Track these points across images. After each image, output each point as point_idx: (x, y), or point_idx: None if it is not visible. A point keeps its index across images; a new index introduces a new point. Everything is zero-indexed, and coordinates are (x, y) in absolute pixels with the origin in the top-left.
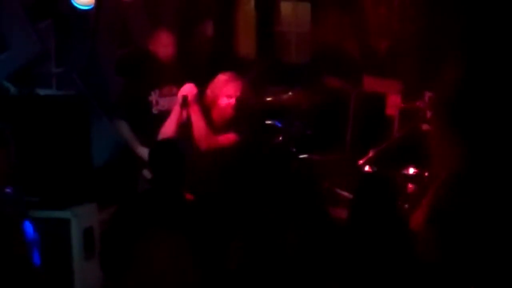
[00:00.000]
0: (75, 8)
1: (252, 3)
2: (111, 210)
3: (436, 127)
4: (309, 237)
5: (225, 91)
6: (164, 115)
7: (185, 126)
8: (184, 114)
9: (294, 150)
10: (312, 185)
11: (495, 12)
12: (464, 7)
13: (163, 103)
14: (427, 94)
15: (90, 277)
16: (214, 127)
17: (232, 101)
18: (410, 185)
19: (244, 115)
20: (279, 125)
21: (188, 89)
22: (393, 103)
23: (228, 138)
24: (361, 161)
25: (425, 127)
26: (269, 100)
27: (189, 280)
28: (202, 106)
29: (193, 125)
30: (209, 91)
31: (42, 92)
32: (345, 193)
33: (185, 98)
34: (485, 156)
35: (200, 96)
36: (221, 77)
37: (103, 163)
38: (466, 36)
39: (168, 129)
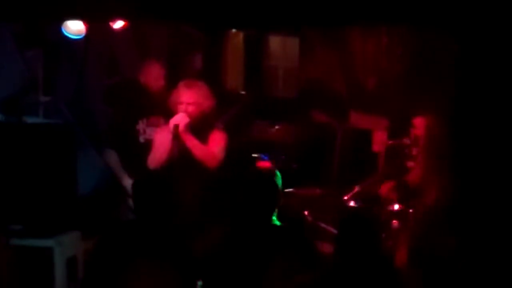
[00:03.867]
0: (64, 37)
1: (241, 36)
2: (95, 239)
3: (421, 163)
4: (294, 271)
5: (178, 98)
6: (151, 144)
7: (182, 156)
8: (175, 143)
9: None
10: (297, 220)
11: (482, 52)
12: (451, 47)
13: (150, 132)
14: (413, 132)
15: None
16: None
17: (190, 107)
18: (394, 221)
19: (205, 119)
20: (266, 158)
21: (180, 118)
22: (379, 140)
23: (215, 140)
24: (346, 197)
25: (410, 164)
26: (256, 134)
27: None
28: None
29: (193, 151)
30: (170, 99)
31: (29, 120)
32: (330, 228)
33: (176, 127)
34: (467, 193)
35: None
36: (180, 84)
37: (88, 192)
38: (452, 74)
39: (159, 158)
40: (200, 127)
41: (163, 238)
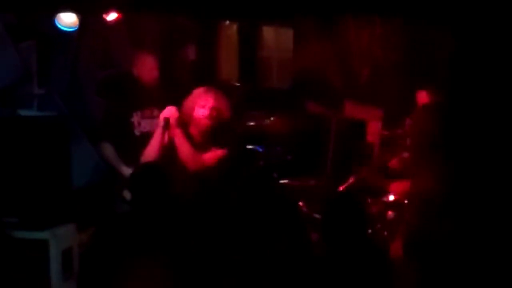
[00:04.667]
0: (58, 30)
1: (235, 28)
2: (90, 231)
3: (414, 152)
4: (288, 261)
5: (199, 101)
6: (146, 137)
7: (169, 149)
8: (166, 136)
9: (276, 175)
10: (292, 211)
11: (477, 41)
12: (446, 37)
13: (145, 125)
14: (408, 122)
15: None
16: (194, 143)
17: (207, 111)
18: (389, 212)
19: (223, 128)
20: (260, 150)
21: (170, 111)
22: (374, 130)
23: (213, 155)
24: (341, 187)
25: (405, 154)
26: (250, 125)
27: None
28: (183, 126)
29: (178, 147)
30: (184, 105)
31: (23, 113)
32: None
33: (166, 120)
34: (460, 184)
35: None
36: (196, 90)
37: (83, 184)
38: (447, 64)
39: (151, 152)
40: (215, 133)
41: (159, 231)
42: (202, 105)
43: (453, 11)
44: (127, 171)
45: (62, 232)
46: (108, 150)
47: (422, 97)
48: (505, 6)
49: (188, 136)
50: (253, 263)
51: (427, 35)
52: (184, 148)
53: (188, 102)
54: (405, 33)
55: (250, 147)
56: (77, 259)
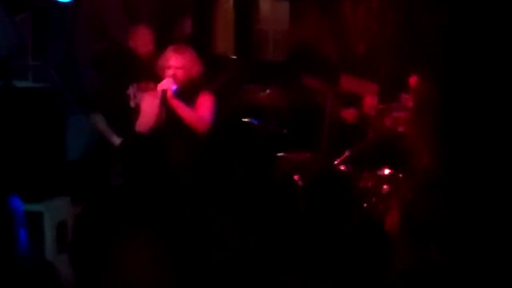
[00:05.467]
0: (53, 2)
1: (231, 0)
2: (84, 204)
3: (415, 127)
4: (281, 236)
5: (166, 63)
6: None
7: (170, 121)
8: (163, 109)
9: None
10: (287, 184)
11: (476, 14)
12: (445, 10)
13: (140, 97)
14: (404, 96)
15: (63, 270)
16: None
17: (171, 72)
18: (385, 186)
19: (193, 86)
20: (256, 123)
21: (167, 84)
22: (370, 104)
23: (204, 104)
24: (336, 161)
25: (401, 128)
26: (246, 98)
27: (166, 281)
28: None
29: (182, 116)
30: (158, 64)
31: (18, 84)
32: None
33: (164, 92)
34: (463, 160)
35: None
36: (168, 49)
37: (78, 157)
38: (446, 38)
39: (147, 123)
40: (188, 92)
41: (151, 204)
42: (169, 65)
43: None
44: (117, 140)
45: (56, 204)
46: (99, 120)
47: (414, 81)
48: None
49: None
50: (247, 236)
51: (422, 8)
52: (189, 115)
53: (158, 64)
54: (401, 7)
55: (245, 120)
56: (72, 232)
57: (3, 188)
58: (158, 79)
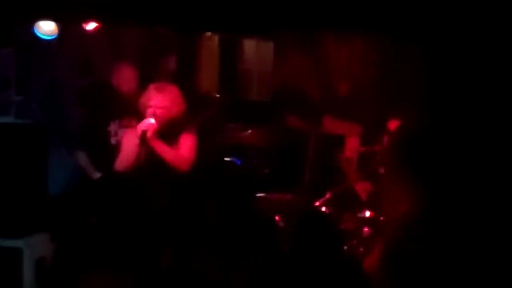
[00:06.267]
0: (37, 37)
1: (216, 39)
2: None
3: (391, 169)
4: (261, 276)
5: (147, 102)
6: None
7: (150, 161)
8: (143, 149)
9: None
10: (268, 225)
11: (457, 59)
12: (426, 53)
13: (122, 134)
14: (386, 138)
15: None
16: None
17: (159, 111)
18: (365, 229)
19: (174, 124)
20: (238, 162)
21: (147, 124)
22: (352, 146)
23: (186, 143)
24: (318, 202)
25: (382, 170)
26: (228, 137)
27: None
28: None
29: (163, 156)
30: (139, 102)
31: (0, 119)
32: None
33: (144, 133)
34: (441, 199)
35: None
36: (150, 87)
37: (58, 193)
38: (427, 80)
39: (126, 161)
40: (169, 131)
41: (124, 246)
42: (149, 105)
43: (427, 27)
44: (97, 175)
45: (36, 241)
46: (83, 158)
47: (393, 125)
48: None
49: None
50: (227, 276)
51: (406, 50)
52: (168, 154)
53: (140, 102)
54: (384, 49)
55: (227, 159)
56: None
57: None
58: (140, 116)
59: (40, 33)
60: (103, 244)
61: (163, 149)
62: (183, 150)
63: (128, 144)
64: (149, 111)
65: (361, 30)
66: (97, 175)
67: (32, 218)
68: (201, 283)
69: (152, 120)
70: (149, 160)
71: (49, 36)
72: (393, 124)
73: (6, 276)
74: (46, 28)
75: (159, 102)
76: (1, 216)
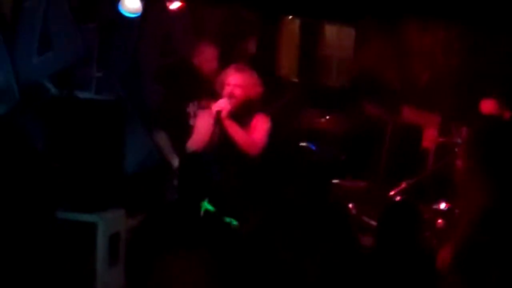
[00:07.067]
0: (121, 14)
1: (297, 24)
2: (139, 217)
3: (468, 162)
4: (333, 262)
5: (226, 80)
6: None
7: (223, 141)
8: (217, 128)
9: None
10: (341, 211)
11: None
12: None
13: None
14: (465, 130)
15: (113, 283)
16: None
17: (236, 90)
18: (440, 220)
19: (250, 105)
20: (314, 148)
21: (222, 104)
22: (430, 137)
23: (258, 127)
24: (392, 192)
25: (460, 163)
26: (306, 123)
27: None
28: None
29: (234, 137)
30: (218, 81)
31: (81, 95)
32: (373, 222)
33: (218, 113)
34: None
35: None
36: (229, 67)
37: (135, 170)
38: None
39: (199, 141)
40: (244, 112)
41: (204, 223)
42: (228, 83)
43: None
44: (176, 158)
45: (111, 216)
46: (163, 139)
47: (487, 106)
48: None
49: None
50: (299, 260)
51: (492, 42)
52: (240, 136)
53: (218, 81)
54: (468, 38)
55: (303, 144)
56: (124, 244)
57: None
58: (219, 98)
59: (124, 10)
60: (181, 221)
61: (235, 131)
62: (255, 134)
63: (203, 123)
64: (227, 89)
65: (444, 18)
66: (174, 156)
67: (107, 193)
68: (275, 264)
69: (227, 101)
70: (222, 141)
71: (133, 13)
72: (473, 116)
73: (80, 250)
74: (131, 5)
75: (238, 81)
76: (77, 190)
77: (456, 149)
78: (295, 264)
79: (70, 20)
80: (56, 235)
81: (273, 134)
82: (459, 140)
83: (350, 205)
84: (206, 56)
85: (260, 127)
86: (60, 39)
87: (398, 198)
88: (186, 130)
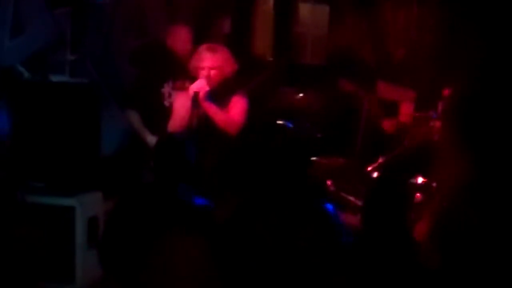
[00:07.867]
0: None
1: (271, 2)
2: (116, 200)
3: (445, 135)
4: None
5: (198, 63)
6: None
7: (202, 123)
8: (195, 110)
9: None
10: (319, 189)
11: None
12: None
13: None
14: (440, 104)
15: (92, 266)
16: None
17: (212, 72)
18: (417, 195)
19: (227, 85)
20: (290, 125)
21: (200, 85)
22: (406, 111)
23: (236, 106)
24: (369, 168)
25: (436, 137)
26: (281, 100)
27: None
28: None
29: (213, 118)
30: (191, 64)
31: (55, 78)
32: (352, 198)
33: (196, 94)
34: (495, 167)
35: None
36: (201, 48)
37: (111, 152)
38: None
39: (178, 123)
40: (221, 92)
41: (181, 203)
42: (202, 66)
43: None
44: (151, 140)
45: (88, 200)
46: (134, 117)
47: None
48: None
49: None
50: (278, 239)
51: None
52: (220, 118)
53: (192, 63)
54: (442, 13)
55: (280, 122)
56: (103, 227)
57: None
58: (193, 78)
59: None
60: (157, 202)
61: (213, 111)
62: (233, 113)
63: (181, 105)
64: (202, 72)
65: None
66: (150, 136)
67: (85, 177)
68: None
69: (204, 82)
70: (201, 122)
71: None
72: (447, 91)
73: (58, 234)
74: None
75: (212, 63)
76: (54, 174)
77: (432, 124)
78: (276, 246)
79: (42, 3)
80: (31, 220)
81: (250, 113)
82: (434, 115)
83: (329, 182)
84: (180, 37)
85: (238, 106)
86: (33, 23)
87: (376, 174)
88: (160, 111)
